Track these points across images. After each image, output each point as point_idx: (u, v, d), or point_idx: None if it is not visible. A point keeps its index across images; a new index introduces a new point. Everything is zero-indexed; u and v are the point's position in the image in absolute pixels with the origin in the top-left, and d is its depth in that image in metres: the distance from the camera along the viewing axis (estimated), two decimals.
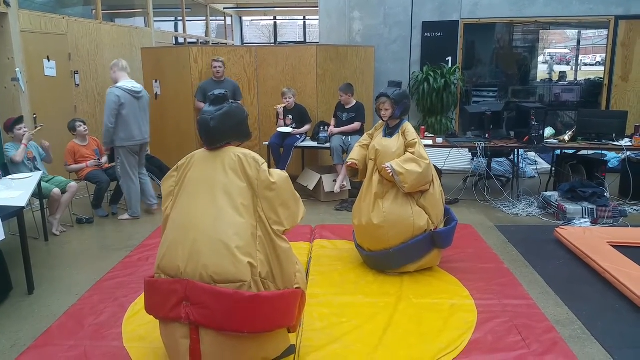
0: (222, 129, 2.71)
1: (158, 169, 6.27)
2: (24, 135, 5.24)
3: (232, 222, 2.59)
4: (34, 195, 4.64)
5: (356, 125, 6.46)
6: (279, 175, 2.76)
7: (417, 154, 3.91)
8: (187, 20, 12.54)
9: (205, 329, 2.51)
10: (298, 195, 2.87)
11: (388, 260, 4.05)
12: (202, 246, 2.55)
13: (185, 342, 2.55)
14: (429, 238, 3.94)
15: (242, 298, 2.48)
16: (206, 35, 13.70)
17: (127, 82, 5.49)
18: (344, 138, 6.36)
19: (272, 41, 19.34)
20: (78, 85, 7.34)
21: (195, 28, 15.74)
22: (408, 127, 4.10)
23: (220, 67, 6.48)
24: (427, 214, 3.95)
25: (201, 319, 2.49)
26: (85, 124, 5.93)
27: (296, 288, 2.77)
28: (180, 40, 12.79)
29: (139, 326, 3.37)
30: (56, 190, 5.17)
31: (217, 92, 2.79)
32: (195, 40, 13.12)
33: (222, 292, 2.48)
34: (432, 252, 4.04)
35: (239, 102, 3.35)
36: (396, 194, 3.97)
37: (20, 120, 5.33)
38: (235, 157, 2.71)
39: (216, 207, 2.62)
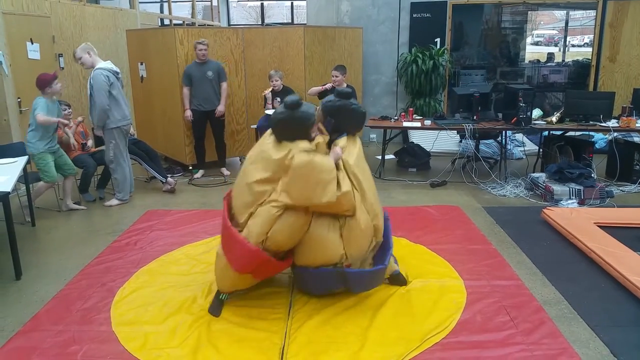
0: (280, 132, 3.20)
1: (145, 153, 6.20)
2: (60, 90, 5.33)
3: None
4: (20, 180, 4.59)
5: None
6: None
7: None
8: (172, 2, 12.32)
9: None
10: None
11: (295, 275, 3.64)
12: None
13: None
14: (334, 275, 3.32)
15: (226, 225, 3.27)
16: (192, 17, 13.51)
17: (108, 64, 5.44)
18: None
19: (259, 22, 19.13)
20: (63, 68, 7.21)
21: (180, 9, 15.51)
22: None
23: (205, 49, 6.39)
24: (344, 247, 3.28)
25: None
26: (70, 107, 5.86)
27: (257, 249, 3.15)
28: (166, 21, 12.60)
29: (128, 310, 3.37)
30: (42, 183, 5.22)
31: (292, 98, 3.20)
32: (181, 22, 12.93)
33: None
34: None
35: (294, 102, 3.22)
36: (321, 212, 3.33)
37: (56, 75, 5.30)
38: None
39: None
